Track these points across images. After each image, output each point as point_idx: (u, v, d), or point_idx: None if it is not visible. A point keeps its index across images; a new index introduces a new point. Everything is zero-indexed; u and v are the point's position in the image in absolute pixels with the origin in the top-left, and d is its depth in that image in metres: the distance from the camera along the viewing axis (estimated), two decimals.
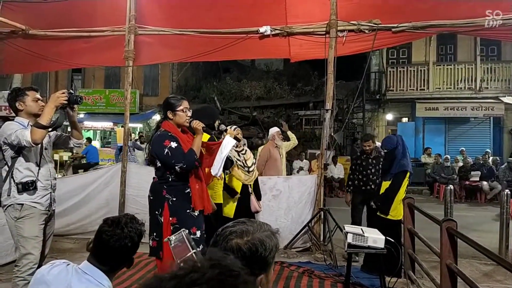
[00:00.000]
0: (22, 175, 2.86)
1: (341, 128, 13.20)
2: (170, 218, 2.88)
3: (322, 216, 5.15)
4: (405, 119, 15.37)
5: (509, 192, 5.47)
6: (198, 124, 3.01)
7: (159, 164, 2.98)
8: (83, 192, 5.61)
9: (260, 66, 19.86)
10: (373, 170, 5.07)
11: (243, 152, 4.27)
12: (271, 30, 5.32)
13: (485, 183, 10.99)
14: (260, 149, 6.20)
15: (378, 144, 5.39)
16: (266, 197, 5.14)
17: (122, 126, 9.20)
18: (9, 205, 2.86)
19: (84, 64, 7.22)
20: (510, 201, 5.37)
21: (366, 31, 5.17)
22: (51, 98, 2.82)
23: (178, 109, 2.98)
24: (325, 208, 5.09)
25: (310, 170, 11.48)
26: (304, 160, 12.10)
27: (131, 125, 7.56)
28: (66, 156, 12.12)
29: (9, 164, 2.87)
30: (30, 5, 6.15)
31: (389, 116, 15.30)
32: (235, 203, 4.12)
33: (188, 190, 2.96)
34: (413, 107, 14.58)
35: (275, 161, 5.80)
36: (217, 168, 3.13)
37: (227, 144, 3.18)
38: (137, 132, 14.69)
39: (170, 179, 2.94)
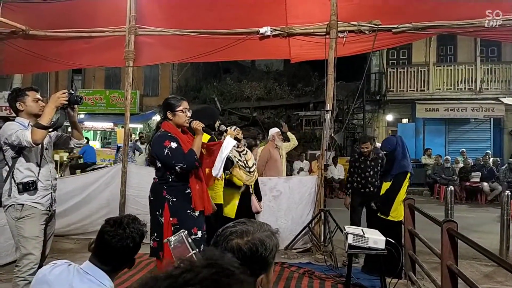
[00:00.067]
0: (23, 175, 2.86)
1: (341, 129, 13.19)
2: (171, 219, 2.89)
3: (323, 217, 5.14)
4: (405, 120, 15.37)
5: (509, 193, 5.46)
6: (198, 125, 3.02)
7: (159, 165, 2.99)
8: (84, 193, 5.61)
9: (260, 66, 19.87)
10: (371, 172, 5.03)
11: (244, 152, 4.27)
12: (271, 31, 5.33)
13: (485, 184, 10.98)
14: (260, 149, 6.20)
15: (378, 145, 5.38)
16: (267, 197, 5.14)
17: (122, 127, 9.21)
18: (10, 205, 2.86)
19: (84, 64, 7.24)
20: (511, 202, 5.37)
21: (366, 32, 5.17)
22: (51, 99, 2.82)
23: (177, 109, 2.99)
24: (325, 209, 5.09)
25: (310, 171, 11.48)
26: (305, 161, 12.11)
27: (131, 125, 7.56)
28: (65, 156, 12.12)
29: (10, 164, 2.87)
30: (31, 6, 6.16)
31: (389, 117, 15.30)
32: (237, 203, 4.12)
33: (189, 190, 2.96)
34: (413, 108, 14.58)
35: (275, 162, 5.81)
36: (217, 168, 3.13)
37: (228, 145, 3.18)
38: (137, 133, 14.69)
39: (170, 180, 2.95)
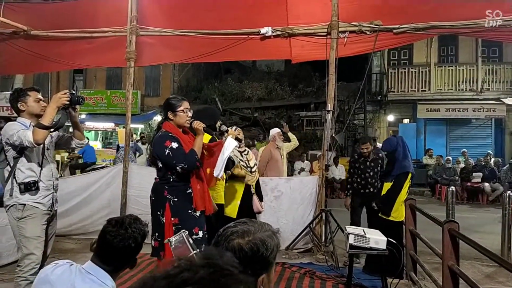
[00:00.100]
0: (24, 176, 2.86)
1: (342, 129, 13.18)
2: (172, 219, 2.89)
3: (324, 217, 5.14)
4: (406, 120, 15.36)
5: (511, 194, 5.44)
6: (199, 125, 3.02)
7: (160, 165, 2.99)
8: (85, 193, 5.62)
9: (261, 67, 19.88)
10: (371, 173, 5.03)
11: (246, 152, 4.28)
12: (272, 31, 5.33)
13: (487, 184, 10.97)
14: (261, 150, 6.21)
15: (379, 145, 5.38)
16: (268, 198, 5.14)
17: (123, 127, 9.21)
18: (12, 205, 2.86)
19: (85, 65, 7.25)
20: None
21: (368, 32, 5.17)
22: (53, 99, 2.82)
23: (178, 109, 2.99)
24: (326, 209, 5.09)
25: (311, 171, 11.48)
26: (306, 161, 12.10)
27: (132, 125, 7.57)
28: (66, 156, 12.14)
29: (11, 165, 2.88)
30: (32, 6, 6.18)
31: (391, 117, 15.29)
32: (238, 203, 4.12)
33: (190, 190, 2.97)
34: (414, 108, 14.58)
35: (276, 162, 5.81)
36: (219, 169, 3.14)
37: (229, 145, 3.18)
38: (138, 133, 14.71)
39: (171, 180, 2.95)
